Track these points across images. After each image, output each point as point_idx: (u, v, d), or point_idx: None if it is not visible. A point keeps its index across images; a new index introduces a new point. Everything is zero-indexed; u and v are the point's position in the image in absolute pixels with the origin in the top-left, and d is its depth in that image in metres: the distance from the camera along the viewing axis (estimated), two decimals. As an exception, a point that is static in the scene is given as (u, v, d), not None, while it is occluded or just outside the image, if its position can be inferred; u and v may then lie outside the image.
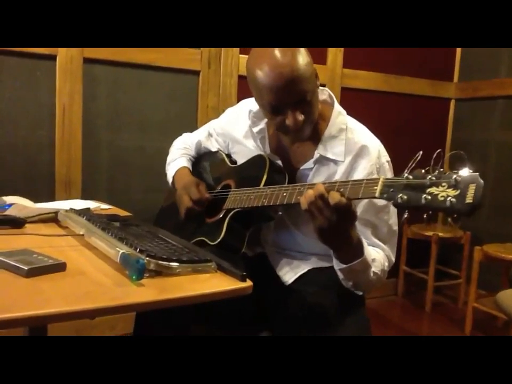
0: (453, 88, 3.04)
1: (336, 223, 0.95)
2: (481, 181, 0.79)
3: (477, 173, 0.80)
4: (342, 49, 2.59)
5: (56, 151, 2.01)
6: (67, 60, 1.97)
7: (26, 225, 1.13)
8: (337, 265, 1.09)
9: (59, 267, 0.80)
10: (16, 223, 1.10)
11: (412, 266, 2.96)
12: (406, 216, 0.88)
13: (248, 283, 0.81)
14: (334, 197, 0.93)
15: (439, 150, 0.81)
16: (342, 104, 1.32)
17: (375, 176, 1.16)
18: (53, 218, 1.20)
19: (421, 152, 0.88)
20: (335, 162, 1.20)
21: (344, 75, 2.62)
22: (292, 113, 1.12)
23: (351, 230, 1.02)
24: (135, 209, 1.49)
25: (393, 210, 1.19)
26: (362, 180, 0.94)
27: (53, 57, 1.96)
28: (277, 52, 1.09)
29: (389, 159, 1.22)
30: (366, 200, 1.14)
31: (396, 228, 1.22)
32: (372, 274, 1.11)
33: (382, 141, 1.24)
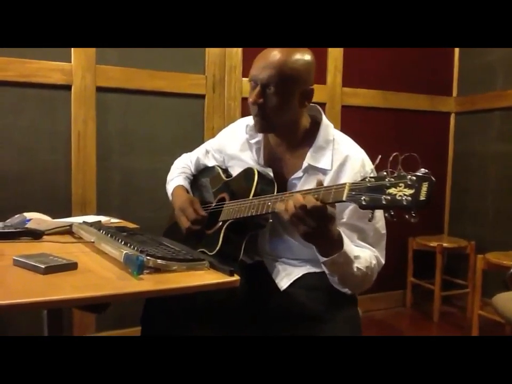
0: (453, 102, 3.13)
1: (315, 225, 1.04)
2: (433, 179, 0.88)
3: (429, 172, 0.89)
4: (341, 68, 2.70)
5: (72, 173, 2.17)
6: (81, 89, 2.14)
7: (44, 236, 1.26)
8: (321, 259, 1.16)
9: (71, 266, 0.92)
10: (35, 235, 1.24)
11: (419, 277, 3.01)
12: (390, 217, 0.95)
13: (236, 277, 0.92)
14: (310, 201, 1.02)
15: (395, 153, 0.91)
16: (343, 121, 1.42)
17: None
18: (67, 230, 1.33)
19: (380, 156, 0.97)
20: (323, 171, 1.28)
21: (344, 93, 2.74)
22: (256, 91, 1.25)
23: (330, 228, 1.09)
24: (145, 226, 1.59)
25: (380, 214, 1.24)
26: (332, 186, 1.03)
27: (68, 87, 2.12)
28: (288, 48, 1.24)
29: (373, 167, 1.30)
30: (351, 206, 1.22)
31: (383, 231, 1.29)
32: (355, 269, 1.16)
33: (383, 156, 1.33)
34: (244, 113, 2.41)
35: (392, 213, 0.91)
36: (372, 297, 2.75)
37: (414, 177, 0.89)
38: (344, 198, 0.98)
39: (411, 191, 0.88)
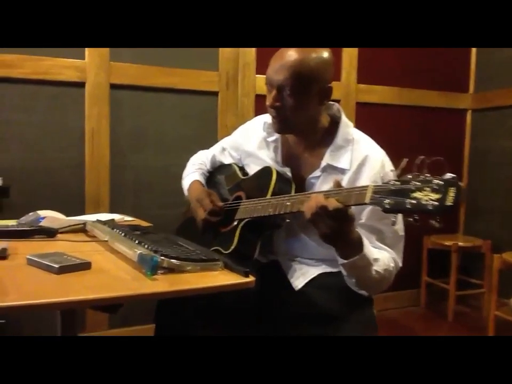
0: (469, 99, 3.08)
1: (336, 226, 1.03)
2: (461, 184, 0.86)
3: (456, 176, 0.87)
4: (356, 65, 2.68)
5: (86, 171, 2.17)
6: (95, 86, 2.14)
7: (58, 234, 1.26)
8: (339, 261, 1.15)
9: (85, 266, 0.92)
10: (49, 233, 1.24)
11: (434, 276, 2.97)
12: (414, 221, 0.93)
13: (251, 278, 0.90)
14: (331, 203, 1.01)
15: (422, 157, 0.89)
16: (357, 119, 1.41)
17: None
18: (81, 228, 1.32)
19: (407, 159, 0.95)
20: (342, 171, 1.27)
21: (358, 90, 2.71)
22: (273, 94, 1.24)
23: (351, 229, 1.08)
24: (158, 224, 1.59)
25: (399, 216, 1.21)
26: (354, 188, 1.02)
27: (81, 84, 2.12)
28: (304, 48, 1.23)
29: (393, 168, 1.28)
30: (370, 207, 1.20)
31: (402, 233, 1.27)
32: (373, 272, 1.15)
33: (398, 154, 1.31)
34: (258, 110, 2.41)
35: (417, 217, 0.90)
36: (385, 296, 2.72)
37: (441, 182, 0.87)
38: (367, 201, 0.97)
39: (437, 196, 0.87)
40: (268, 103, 1.26)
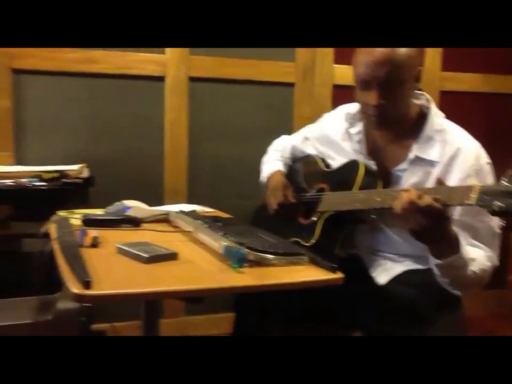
0: None
1: (430, 225, 0.97)
2: None
3: None
4: (440, 50, 2.53)
5: (165, 162, 2.22)
6: (175, 79, 2.18)
7: (143, 224, 1.29)
8: (433, 261, 1.09)
9: (172, 256, 0.93)
10: (135, 222, 1.28)
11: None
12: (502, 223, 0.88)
13: (339, 274, 0.87)
14: (427, 202, 0.95)
15: None
16: (441, 108, 1.33)
17: (472, 178, 1.15)
18: (165, 218, 1.35)
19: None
20: (431, 163, 1.21)
21: (442, 78, 2.57)
22: (375, 92, 1.17)
23: (448, 229, 1.02)
24: (234, 214, 1.61)
25: None
26: (457, 187, 0.95)
27: (161, 78, 2.17)
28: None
29: (489, 161, 1.20)
30: None
31: (498, 230, 1.19)
32: (470, 272, 1.09)
33: (488, 146, 1.22)
34: (335, 101, 2.34)
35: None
36: (469, 295, 2.57)
37: None
38: (473, 202, 0.90)
39: None
40: (369, 101, 1.20)
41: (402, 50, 1.16)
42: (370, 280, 1.28)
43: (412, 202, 0.96)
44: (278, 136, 1.68)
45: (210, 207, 1.71)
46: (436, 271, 1.12)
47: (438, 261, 1.07)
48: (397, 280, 1.25)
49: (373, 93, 1.18)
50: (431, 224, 0.97)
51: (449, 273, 1.10)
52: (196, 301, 0.94)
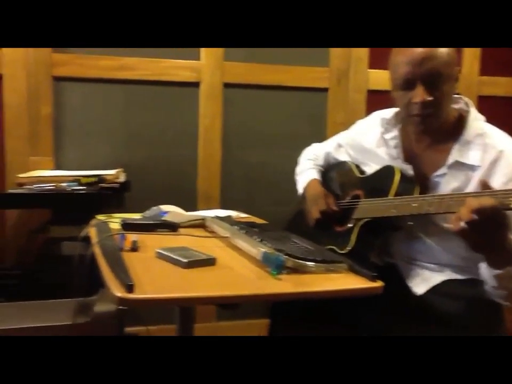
0: None
1: (495, 232, 0.94)
2: None
3: None
4: (478, 55, 2.48)
5: (199, 167, 2.24)
6: (209, 85, 2.20)
7: (180, 229, 1.31)
8: (491, 272, 1.05)
9: (210, 261, 0.94)
10: (172, 227, 1.29)
11: None
12: None
13: (379, 283, 0.86)
14: (489, 206, 0.90)
15: None
16: (479, 113, 1.30)
17: None
18: (201, 224, 1.36)
19: None
20: (471, 167, 1.18)
21: (481, 83, 2.51)
22: (421, 89, 1.16)
23: (506, 233, 0.97)
24: (268, 220, 1.60)
25: None
26: (509, 190, 0.91)
27: (196, 84, 2.19)
28: None
29: None
30: None
31: None
32: None
33: None
34: (369, 107, 2.32)
35: None
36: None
37: None
38: None
39: None
40: (416, 99, 1.17)
41: (441, 49, 1.16)
42: (407, 289, 1.25)
43: (472, 208, 0.91)
44: (312, 143, 1.67)
45: (244, 212, 1.72)
46: (493, 282, 1.07)
47: (498, 271, 1.02)
48: (435, 290, 1.22)
49: (418, 90, 1.16)
50: (495, 229, 0.93)
51: (509, 284, 1.05)
52: (233, 306, 0.95)
